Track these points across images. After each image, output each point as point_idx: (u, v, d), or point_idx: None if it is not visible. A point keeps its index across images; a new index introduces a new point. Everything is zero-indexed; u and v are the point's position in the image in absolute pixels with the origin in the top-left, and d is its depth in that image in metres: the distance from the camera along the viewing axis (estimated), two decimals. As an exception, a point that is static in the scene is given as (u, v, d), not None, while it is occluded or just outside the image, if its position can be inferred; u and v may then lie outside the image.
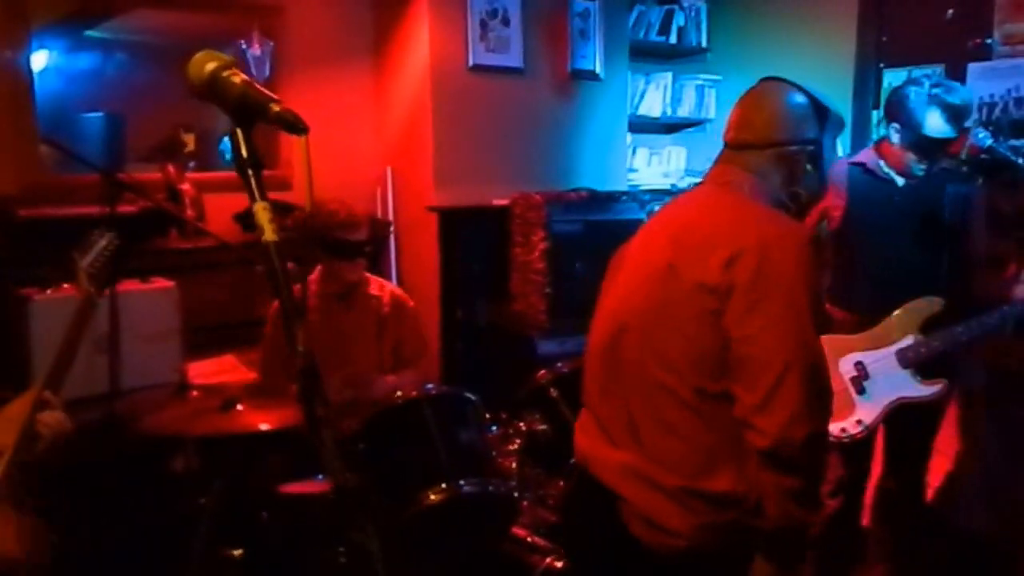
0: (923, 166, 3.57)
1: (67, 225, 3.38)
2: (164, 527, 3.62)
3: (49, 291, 3.72)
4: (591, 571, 2.57)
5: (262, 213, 1.48)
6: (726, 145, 2.47)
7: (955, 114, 3.49)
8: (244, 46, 5.15)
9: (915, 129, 3.52)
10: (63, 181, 4.41)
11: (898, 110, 3.58)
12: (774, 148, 2.37)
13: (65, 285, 3.62)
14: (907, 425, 3.71)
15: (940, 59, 5.58)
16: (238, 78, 1.51)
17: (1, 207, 4.16)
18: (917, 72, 5.34)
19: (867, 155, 3.76)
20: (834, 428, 3.41)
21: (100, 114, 5.00)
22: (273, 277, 1.46)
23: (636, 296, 2.34)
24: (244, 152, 1.51)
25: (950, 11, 5.59)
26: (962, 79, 5.44)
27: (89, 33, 4.92)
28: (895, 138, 3.61)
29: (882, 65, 5.93)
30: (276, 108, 1.49)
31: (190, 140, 5.15)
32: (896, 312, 3.59)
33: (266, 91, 1.51)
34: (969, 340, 3.55)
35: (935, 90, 3.51)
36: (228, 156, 5.00)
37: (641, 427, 2.26)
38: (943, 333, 3.53)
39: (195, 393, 3.66)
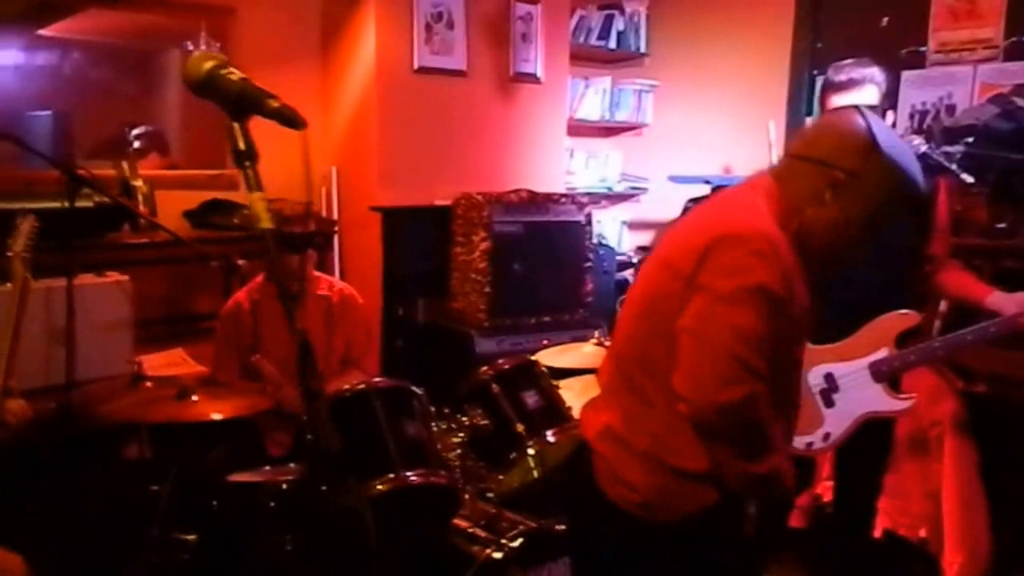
0: None
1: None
2: (119, 512, 3.68)
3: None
4: (572, 525, 2.74)
5: (259, 203, 1.59)
6: None
7: (839, 87, 3.55)
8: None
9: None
10: (17, 176, 4.46)
11: None
12: (803, 160, 2.24)
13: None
14: (859, 440, 3.49)
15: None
16: (235, 75, 1.61)
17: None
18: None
19: None
20: (800, 442, 3.32)
21: (48, 112, 5.00)
22: (271, 262, 1.58)
23: (649, 271, 2.34)
24: (242, 145, 1.61)
25: (885, 19, 5.70)
26: (896, 87, 5.57)
27: (40, 32, 4.94)
28: None
29: (816, 72, 5.98)
30: (274, 103, 1.59)
31: (139, 138, 5.17)
32: (868, 324, 3.41)
33: (263, 88, 1.60)
34: (945, 355, 3.54)
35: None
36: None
37: (624, 392, 2.33)
38: (919, 347, 3.41)
39: (149, 384, 3.73)
